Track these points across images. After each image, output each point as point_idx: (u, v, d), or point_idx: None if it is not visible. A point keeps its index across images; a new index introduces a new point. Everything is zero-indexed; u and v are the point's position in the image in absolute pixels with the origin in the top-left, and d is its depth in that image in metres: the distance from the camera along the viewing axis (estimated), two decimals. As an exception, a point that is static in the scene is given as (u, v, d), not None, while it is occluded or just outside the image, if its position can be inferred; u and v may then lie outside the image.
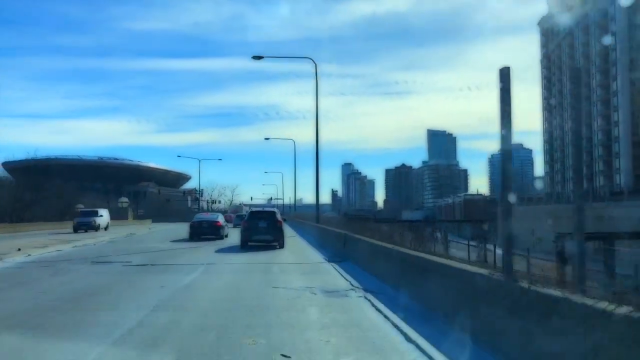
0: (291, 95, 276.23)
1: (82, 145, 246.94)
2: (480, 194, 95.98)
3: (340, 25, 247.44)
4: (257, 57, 28.18)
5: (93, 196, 71.85)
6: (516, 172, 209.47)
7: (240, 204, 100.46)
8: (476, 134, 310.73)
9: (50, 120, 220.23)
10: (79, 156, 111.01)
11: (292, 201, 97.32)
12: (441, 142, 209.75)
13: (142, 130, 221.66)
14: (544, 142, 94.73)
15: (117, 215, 60.40)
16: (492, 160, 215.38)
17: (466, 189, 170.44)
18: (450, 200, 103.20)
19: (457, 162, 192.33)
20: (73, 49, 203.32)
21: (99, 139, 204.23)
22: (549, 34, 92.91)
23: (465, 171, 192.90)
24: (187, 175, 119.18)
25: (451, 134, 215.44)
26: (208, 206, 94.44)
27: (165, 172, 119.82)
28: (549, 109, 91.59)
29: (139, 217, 77.71)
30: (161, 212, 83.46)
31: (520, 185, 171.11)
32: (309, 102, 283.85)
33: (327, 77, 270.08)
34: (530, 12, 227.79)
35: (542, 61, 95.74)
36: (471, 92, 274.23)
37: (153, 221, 66.29)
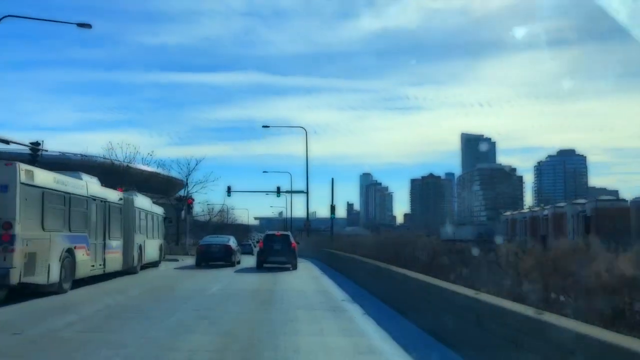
0: (301, 110, 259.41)
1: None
2: (621, 199, 67.24)
3: (350, 40, 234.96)
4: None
5: None
6: (569, 179, 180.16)
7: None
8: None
9: (64, 132, 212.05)
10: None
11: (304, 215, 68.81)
12: (479, 147, 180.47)
13: (155, 143, 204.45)
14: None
15: None
16: (541, 168, 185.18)
17: (522, 201, 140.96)
18: (545, 212, 73.74)
19: (512, 167, 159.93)
20: (87, 62, 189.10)
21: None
22: None
23: (520, 178, 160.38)
24: (180, 181, 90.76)
25: (490, 138, 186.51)
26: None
27: (150, 175, 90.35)
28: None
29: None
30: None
31: (573, 194, 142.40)
32: (320, 116, 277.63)
33: (337, 91, 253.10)
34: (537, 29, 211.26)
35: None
36: (482, 108, 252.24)
37: None
